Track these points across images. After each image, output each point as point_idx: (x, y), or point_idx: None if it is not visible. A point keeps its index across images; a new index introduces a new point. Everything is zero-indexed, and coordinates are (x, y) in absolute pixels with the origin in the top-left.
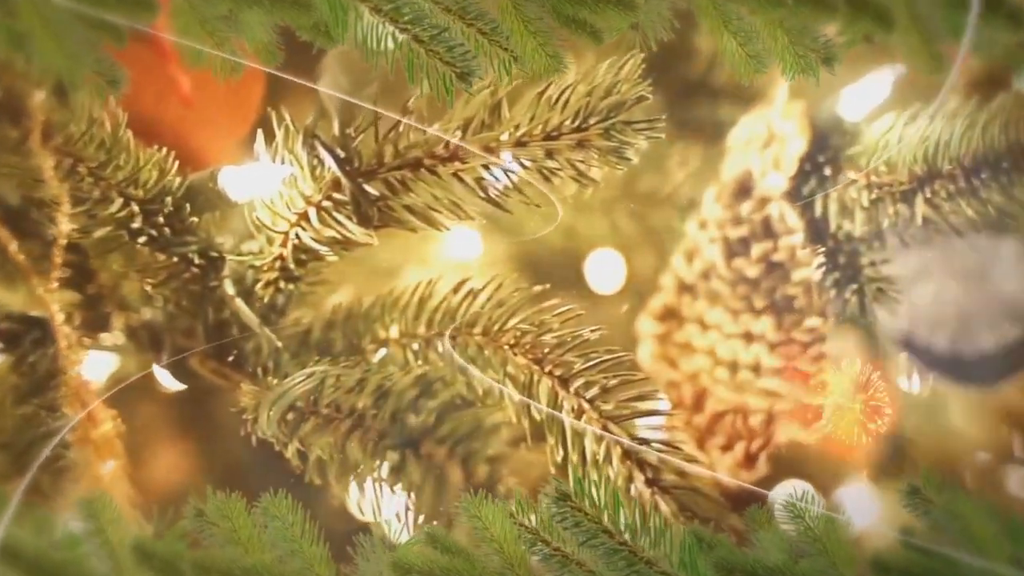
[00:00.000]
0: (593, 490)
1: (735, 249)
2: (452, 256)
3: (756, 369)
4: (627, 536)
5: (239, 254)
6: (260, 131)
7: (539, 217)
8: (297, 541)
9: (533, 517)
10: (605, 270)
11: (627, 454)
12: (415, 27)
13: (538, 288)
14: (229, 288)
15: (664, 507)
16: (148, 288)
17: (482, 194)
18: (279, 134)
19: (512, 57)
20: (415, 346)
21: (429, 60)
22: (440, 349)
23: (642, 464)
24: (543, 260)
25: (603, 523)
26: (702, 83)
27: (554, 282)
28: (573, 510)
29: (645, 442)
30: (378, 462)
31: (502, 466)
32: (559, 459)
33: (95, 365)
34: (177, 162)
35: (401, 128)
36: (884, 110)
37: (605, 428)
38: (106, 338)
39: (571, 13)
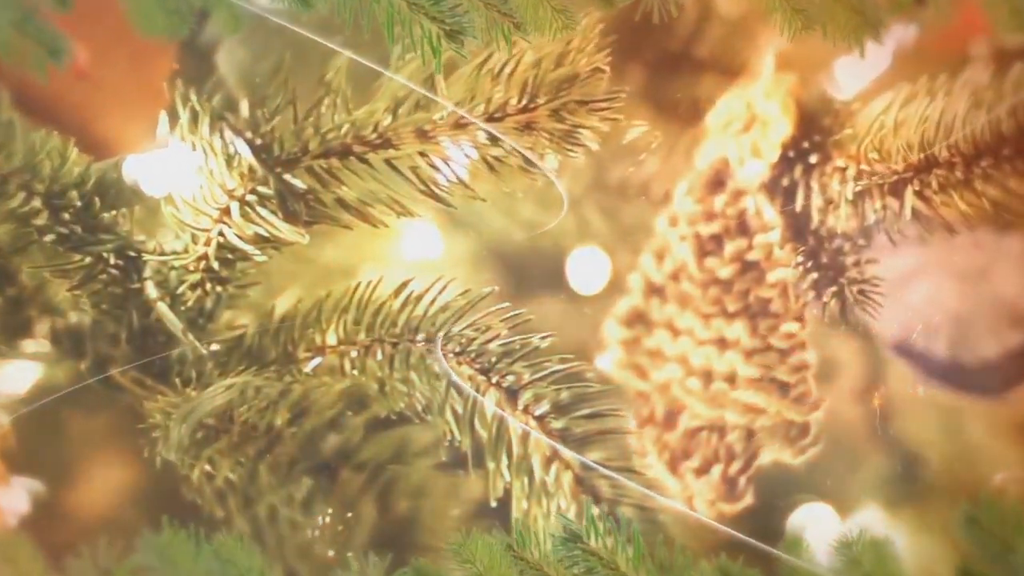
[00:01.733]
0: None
1: (707, 247)
2: (416, 255)
3: (732, 379)
4: None
5: (160, 253)
6: (164, 113)
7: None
8: None
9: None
10: (586, 269)
11: (580, 481)
12: None
13: (487, 289)
14: (151, 291)
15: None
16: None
17: (421, 186)
18: (183, 116)
19: (512, 23)
20: (353, 354)
21: (412, 15)
22: (379, 356)
23: (598, 494)
24: (519, 259)
25: (619, 568)
26: (678, 54)
27: (531, 282)
28: (585, 553)
29: (603, 467)
30: (288, 491)
31: (424, 499)
32: (500, 489)
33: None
34: (76, 149)
35: (323, 108)
36: (882, 87)
37: (554, 450)
38: (28, 345)
39: None
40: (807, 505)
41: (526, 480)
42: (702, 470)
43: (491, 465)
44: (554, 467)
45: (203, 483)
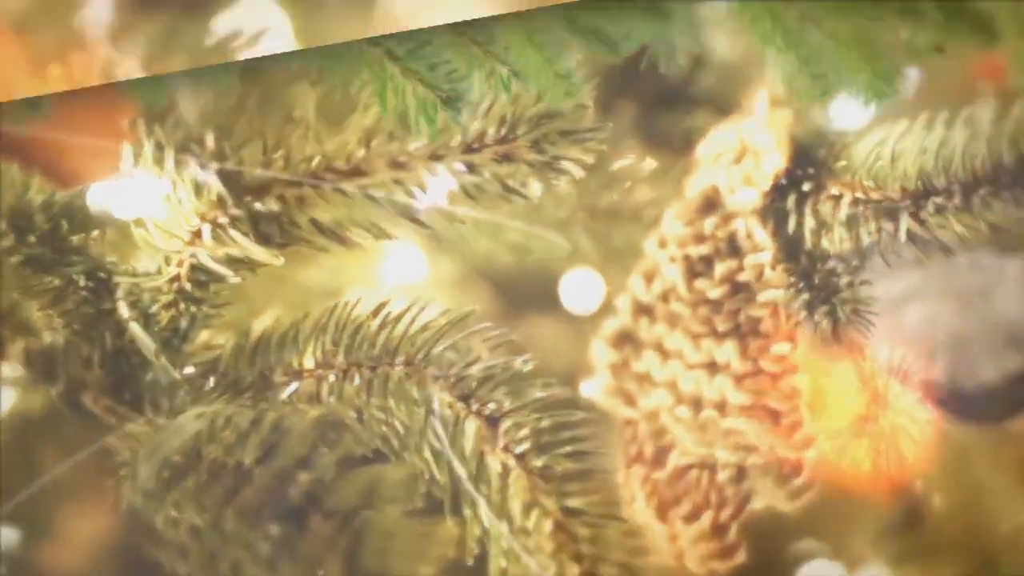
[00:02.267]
0: None
1: (697, 269)
2: (402, 277)
3: (722, 407)
4: None
5: (132, 275)
6: (128, 146)
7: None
8: None
9: None
10: (579, 289)
11: (561, 528)
12: (388, 39)
13: (468, 308)
14: (124, 311)
15: None
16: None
17: (398, 211)
18: (147, 148)
19: (511, 72)
20: (331, 378)
21: (406, 82)
22: (356, 381)
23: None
24: (508, 280)
25: None
26: (669, 90)
27: (521, 304)
28: None
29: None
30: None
31: (395, 547)
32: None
33: None
34: (38, 178)
35: (293, 140)
36: (880, 121)
37: (534, 493)
38: (2, 368)
39: (588, 23)
40: (812, 563)
41: (505, 525)
42: (692, 516)
43: (467, 511)
44: (534, 513)
45: (169, 529)
